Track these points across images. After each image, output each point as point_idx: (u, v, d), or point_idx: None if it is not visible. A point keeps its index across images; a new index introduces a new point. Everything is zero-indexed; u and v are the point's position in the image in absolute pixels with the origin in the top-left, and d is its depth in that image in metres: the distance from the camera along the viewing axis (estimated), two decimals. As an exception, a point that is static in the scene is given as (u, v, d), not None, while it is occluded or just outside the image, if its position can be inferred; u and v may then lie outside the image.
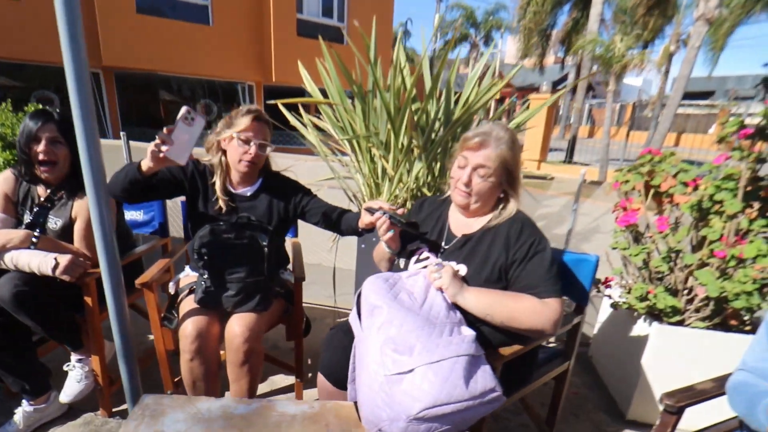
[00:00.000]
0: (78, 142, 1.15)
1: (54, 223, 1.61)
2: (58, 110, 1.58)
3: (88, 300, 1.57)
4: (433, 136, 1.85)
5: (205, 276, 1.42)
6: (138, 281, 1.52)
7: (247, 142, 1.46)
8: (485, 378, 0.94)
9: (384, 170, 1.94)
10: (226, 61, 11.81)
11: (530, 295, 1.13)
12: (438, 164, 1.96)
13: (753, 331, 1.72)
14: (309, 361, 2.14)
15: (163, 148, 1.17)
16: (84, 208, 1.58)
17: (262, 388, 1.97)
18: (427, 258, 1.27)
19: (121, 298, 1.32)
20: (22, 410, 1.59)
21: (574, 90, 14.12)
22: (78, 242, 1.60)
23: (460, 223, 1.31)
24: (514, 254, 1.18)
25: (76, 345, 1.67)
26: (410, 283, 1.15)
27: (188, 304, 1.46)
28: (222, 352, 1.50)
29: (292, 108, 2.12)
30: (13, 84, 10.21)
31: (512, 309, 1.11)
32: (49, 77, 10.72)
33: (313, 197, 1.65)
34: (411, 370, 0.91)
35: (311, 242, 4.42)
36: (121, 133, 2.74)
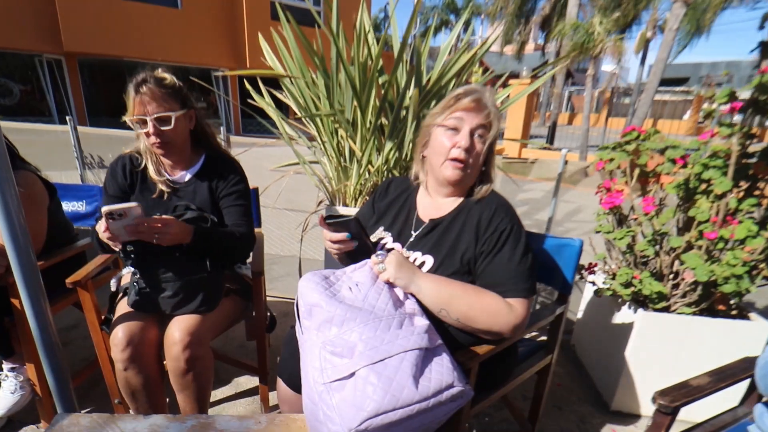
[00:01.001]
0: None
1: None
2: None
3: (15, 302, 1.39)
4: (403, 113, 1.69)
5: (137, 275, 1.24)
6: (69, 280, 1.33)
7: (142, 123, 1.25)
8: (441, 373, 0.81)
9: (352, 152, 1.78)
10: (197, 47, 11.35)
11: (492, 292, 0.99)
12: (409, 143, 1.80)
13: (740, 316, 1.64)
14: (278, 360, 1.99)
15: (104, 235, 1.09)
16: None
17: (225, 391, 1.82)
18: (392, 250, 1.12)
19: (40, 302, 1.12)
20: None
21: (553, 76, 14.12)
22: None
23: (429, 207, 1.16)
24: (482, 245, 1.03)
25: (6, 352, 1.49)
26: (356, 276, 1.00)
27: (123, 306, 1.29)
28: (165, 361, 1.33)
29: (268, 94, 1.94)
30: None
31: (470, 305, 0.96)
32: (7, 66, 10.13)
33: (233, 197, 1.40)
34: (352, 374, 0.76)
35: (284, 233, 4.25)
36: (68, 118, 2.50)
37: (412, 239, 1.13)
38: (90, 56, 10.48)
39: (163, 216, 1.15)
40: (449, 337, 1.02)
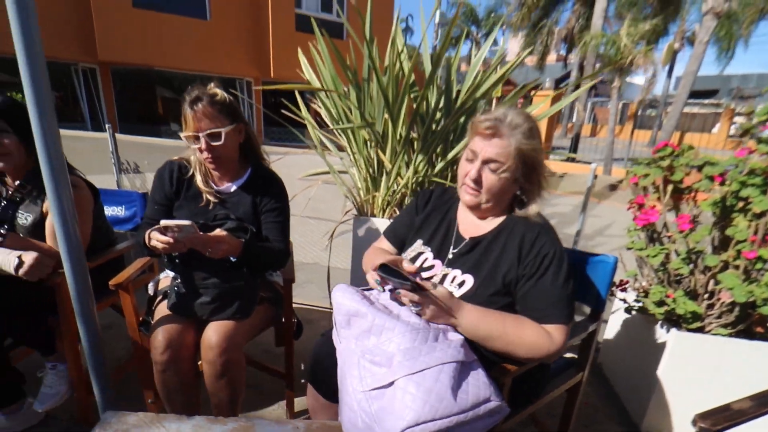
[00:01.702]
0: (34, 133, 1.01)
1: (24, 218, 1.48)
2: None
3: (58, 301, 1.45)
4: (433, 126, 1.72)
5: (178, 280, 1.29)
6: (112, 282, 1.39)
7: (195, 139, 1.31)
8: (478, 387, 0.81)
9: (381, 164, 1.81)
10: (224, 57, 11.69)
11: (533, 322, 0.98)
12: (439, 157, 1.82)
13: (780, 339, 1.59)
14: (302, 366, 2.01)
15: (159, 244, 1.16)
16: None
17: (250, 396, 1.84)
18: (432, 267, 1.12)
19: (88, 303, 1.18)
20: None
21: (577, 88, 13.96)
22: (50, 239, 1.48)
23: (470, 224, 1.16)
24: (524, 267, 1.02)
25: (49, 350, 1.55)
26: (384, 296, 1.01)
27: (162, 309, 1.34)
28: (200, 362, 1.37)
29: (294, 104, 2.00)
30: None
31: (511, 340, 0.96)
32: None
33: (275, 214, 1.45)
34: (391, 383, 0.78)
35: (306, 240, 4.31)
36: (106, 125, 2.62)
37: (451, 256, 1.13)
38: (122, 65, 10.92)
39: (217, 233, 1.21)
40: (481, 351, 1.03)
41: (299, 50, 2.10)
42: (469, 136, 1.10)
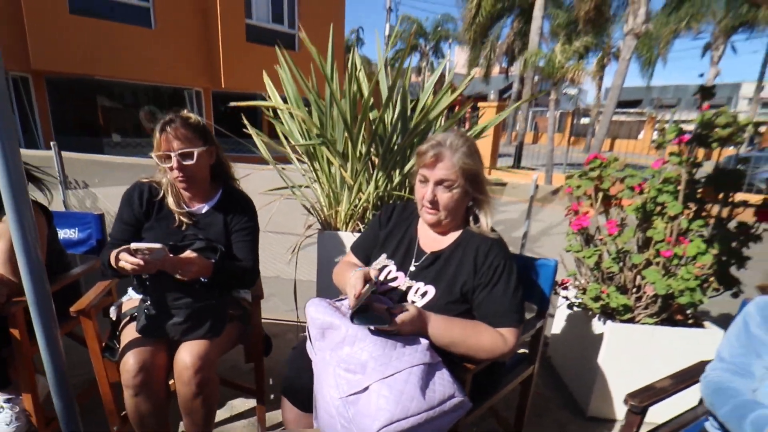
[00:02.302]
0: None
1: None
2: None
3: (14, 332, 1.39)
4: (391, 145, 1.83)
5: (148, 302, 1.29)
6: (73, 308, 1.36)
7: (167, 158, 1.34)
8: (443, 385, 0.92)
9: (343, 180, 1.89)
10: (171, 66, 11.25)
11: (488, 327, 1.10)
12: (397, 172, 1.94)
13: (696, 324, 1.84)
14: (271, 381, 2.03)
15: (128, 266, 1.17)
16: (5, 229, 1.40)
17: (220, 414, 1.84)
18: (395, 278, 1.22)
19: (52, 330, 1.16)
20: None
21: (518, 98, 14.85)
22: (1, 267, 1.42)
23: (430, 239, 1.27)
24: (480, 277, 1.14)
25: (2, 383, 1.48)
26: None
27: (130, 332, 1.33)
28: (171, 382, 1.37)
29: (247, 115, 2.03)
30: None
31: (471, 344, 1.08)
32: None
33: (244, 233, 1.50)
34: (366, 389, 0.87)
35: (268, 254, 4.27)
36: (52, 143, 2.50)
37: (413, 269, 1.23)
38: (58, 75, 10.20)
39: (187, 254, 1.24)
40: (444, 353, 1.13)
41: (264, 73, 2.15)
42: (417, 162, 1.20)
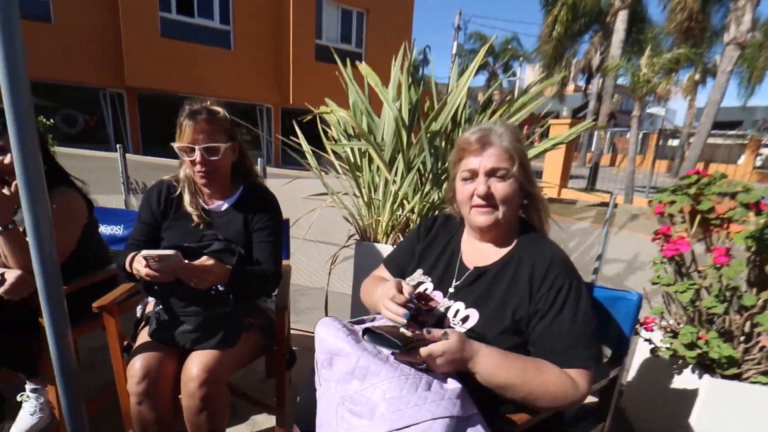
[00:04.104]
0: (12, 147, 0.96)
1: (18, 228, 1.44)
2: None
3: (42, 322, 1.38)
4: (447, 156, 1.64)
5: (160, 306, 1.21)
6: (96, 304, 1.32)
7: (190, 151, 1.25)
8: None
9: (386, 188, 1.73)
10: (245, 84, 12.06)
11: (555, 366, 0.85)
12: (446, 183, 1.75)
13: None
14: (298, 399, 1.88)
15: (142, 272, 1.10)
16: None
17: (240, 429, 1.72)
18: (432, 300, 1.01)
19: (61, 326, 1.10)
20: None
21: (596, 117, 13.87)
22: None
23: (475, 253, 1.05)
24: (537, 302, 0.90)
25: (31, 372, 1.48)
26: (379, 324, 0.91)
27: (143, 336, 1.25)
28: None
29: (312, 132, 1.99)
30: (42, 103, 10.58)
31: (533, 388, 0.82)
32: (74, 97, 11.12)
33: (266, 233, 1.36)
34: None
35: (315, 265, 4.22)
36: (117, 146, 2.63)
37: (453, 289, 1.02)
38: (148, 91, 11.37)
39: (203, 261, 1.13)
40: (481, 396, 0.90)
41: (327, 100, 2.10)
42: (456, 157, 1.02)
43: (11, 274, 1.28)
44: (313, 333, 2.67)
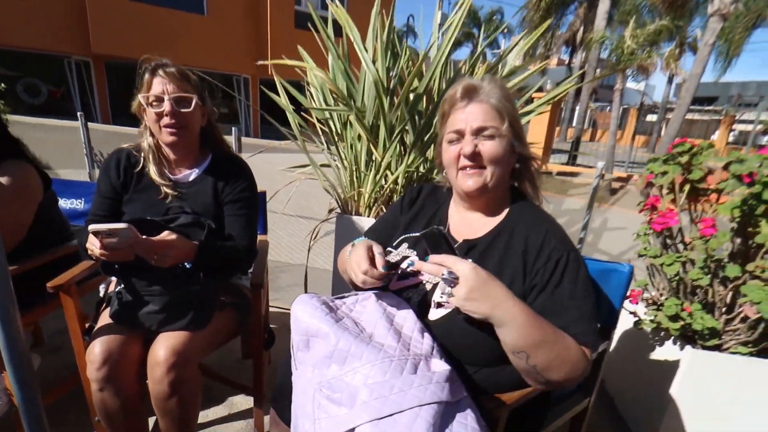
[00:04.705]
0: None
1: None
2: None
3: (-9, 305, 1.27)
4: (432, 120, 1.54)
5: (122, 285, 1.11)
6: (50, 284, 1.21)
7: (158, 101, 1.14)
8: None
9: (369, 159, 1.63)
10: (221, 53, 11.52)
11: (572, 339, 0.78)
12: (433, 151, 1.65)
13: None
14: (277, 381, 1.82)
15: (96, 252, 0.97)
16: None
17: (218, 411, 1.66)
18: (417, 273, 0.93)
19: (8, 309, 0.99)
20: None
21: (577, 93, 13.83)
22: None
23: (463, 224, 0.98)
24: (534, 276, 0.83)
25: (-16, 359, 1.36)
26: (358, 309, 0.84)
27: (105, 317, 1.15)
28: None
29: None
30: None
31: (557, 354, 0.75)
32: (38, 66, 10.44)
33: (239, 206, 1.27)
34: (351, 431, 0.60)
35: (295, 240, 4.12)
36: (79, 114, 2.44)
37: None
38: (117, 59, 10.72)
39: (164, 236, 1.02)
40: (468, 379, 0.84)
41: (299, 48, 1.93)
42: (442, 117, 0.95)
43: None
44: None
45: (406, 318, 0.78)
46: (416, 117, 1.57)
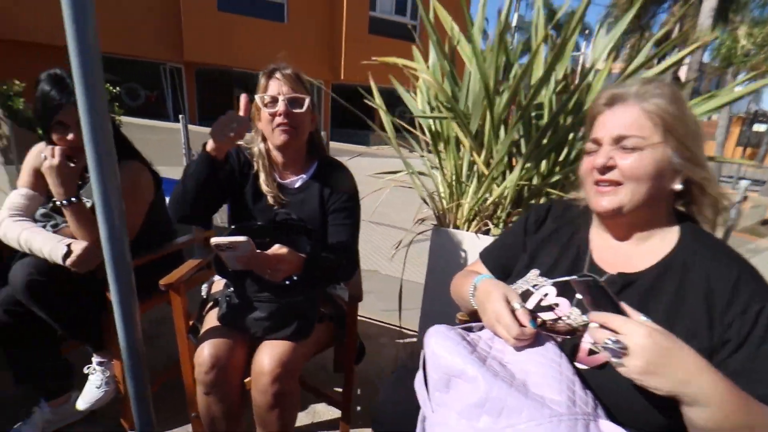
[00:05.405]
0: (82, 121, 0.87)
1: (84, 202, 1.39)
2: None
3: (109, 296, 1.34)
4: (556, 124, 1.38)
5: (231, 289, 1.11)
6: (163, 281, 1.25)
7: (273, 101, 1.16)
8: None
9: (471, 167, 1.52)
10: (298, 58, 12.00)
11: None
12: (550, 162, 1.48)
13: None
14: (359, 392, 1.77)
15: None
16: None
17: (301, 418, 1.63)
18: (555, 307, 0.80)
19: (129, 305, 1.02)
20: (39, 411, 1.41)
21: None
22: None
23: (613, 253, 0.81)
24: (727, 328, 0.65)
25: (98, 346, 1.45)
26: (498, 347, 0.72)
27: (211, 319, 1.16)
28: (247, 380, 1.17)
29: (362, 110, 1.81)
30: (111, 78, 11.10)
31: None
32: (138, 72, 11.55)
33: (344, 215, 1.24)
34: None
35: (370, 246, 4.10)
36: (180, 116, 2.59)
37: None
38: (205, 65, 11.61)
39: (275, 250, 1.02)
40: None
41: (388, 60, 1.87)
42: (588, 126, 0.82)
43: (78, 246, 1.22)
44: (368, 318, 2.55)
45: (561, 364, 0.65)
46: (531, 122, 1.43)
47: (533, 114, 1.42)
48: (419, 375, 0.73)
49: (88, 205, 1.37)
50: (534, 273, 0.88)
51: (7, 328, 1.30)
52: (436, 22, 1.72)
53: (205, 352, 1.05)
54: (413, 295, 2.08)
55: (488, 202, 1.44)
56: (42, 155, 1.18)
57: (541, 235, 0.93)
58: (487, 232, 1.48)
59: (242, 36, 11.24)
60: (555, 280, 0.79)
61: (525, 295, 0.83)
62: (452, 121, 1.45)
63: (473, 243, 1.47)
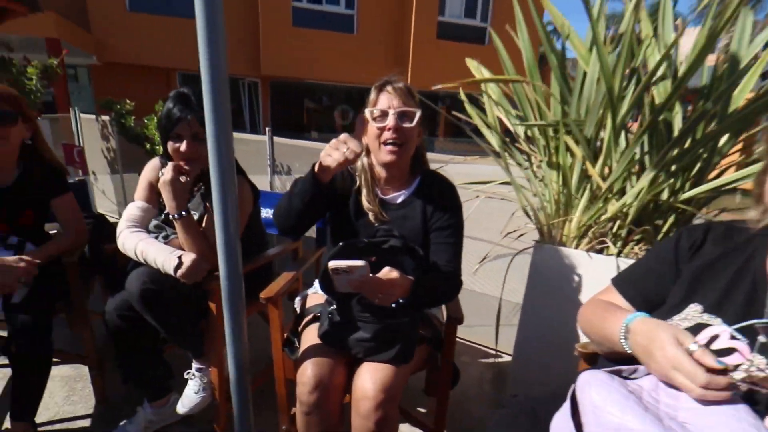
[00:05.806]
0: (208, 137, 0.90)
1: (193, 215, 1.46)
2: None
3: (212, 306, 1.38)
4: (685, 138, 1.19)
5: (333, 306, 1.08)
6: (263, 294, 1.26)
7: (382, 115, 1.12)
8: None
9: (582, 178, 1.36)
10: (365, 67, 12.29)
11: None
12: (687, 174, 1.30)
13: None
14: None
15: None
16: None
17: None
18: (731, 351, 0.66)
19: (238, 313, 1.03)
20: (143, 411, 1.50)
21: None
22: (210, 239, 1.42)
23: None
24: None
25: (197, 353, 1.51)
26: (666, 400, 0.60)
27: (311, 335, 1.14)
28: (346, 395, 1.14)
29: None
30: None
31: None
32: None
33: (447, 233, 1.18)
34: None
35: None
36: (267, 129, 2.70)
37: (766, 338, 0.65)
38: (279, 79, 12.26)
39: (388, 274, 0.98)
40: None
41: (471, 62, 1.77)
42: None
43: (188, 258, 1.28)
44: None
45: (760, 428, 0.52)
46: (655, 130, 1.23)
47: (660, 119, 1.22)
48: (562, 419, 0.63)
49: (196, 217, 1.44)
50: (695, 309, 0.73)
51: (121, 332, 1.39)
52: (511, 25, 1.61)
53: (309, 371, 1.03)
54: (490, 311, 1.95)
55: (603, 218, 1.28)
56: (159, 173, 1.25)
57: (700, 262, 0.78)
58: (600, 251, 1.32)
59: (314, 49, 11.71)
60: (739, 325, 0.64)
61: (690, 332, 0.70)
62: (566, 133, 1.30)
63: (584, 262, 1.31)
